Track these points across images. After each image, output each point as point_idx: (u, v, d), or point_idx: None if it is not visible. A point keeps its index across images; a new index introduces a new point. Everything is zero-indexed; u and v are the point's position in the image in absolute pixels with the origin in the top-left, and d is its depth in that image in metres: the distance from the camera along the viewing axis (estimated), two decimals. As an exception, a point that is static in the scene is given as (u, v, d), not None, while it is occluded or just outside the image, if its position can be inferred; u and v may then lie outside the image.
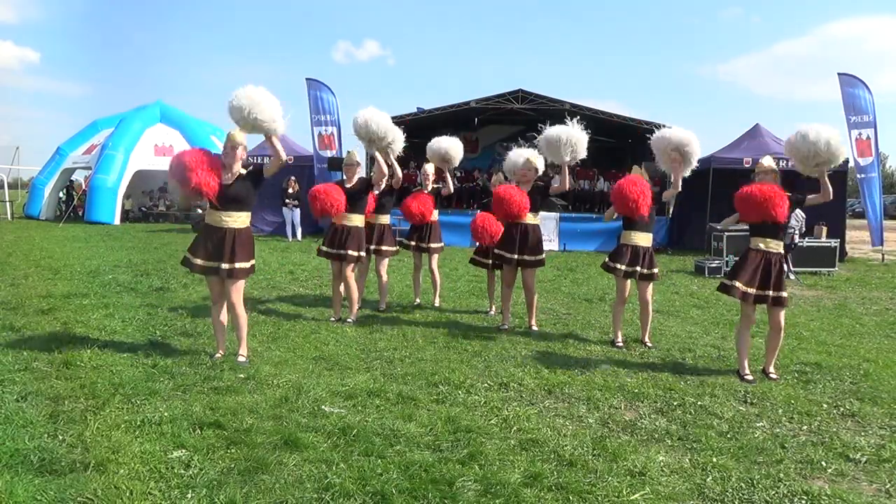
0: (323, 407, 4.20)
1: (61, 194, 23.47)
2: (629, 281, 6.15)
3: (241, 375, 4.78)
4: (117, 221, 20.58)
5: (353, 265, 6.74)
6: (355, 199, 6.72)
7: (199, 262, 5.08)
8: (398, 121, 19.41)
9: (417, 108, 18.60)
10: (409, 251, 8.04)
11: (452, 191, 7.99)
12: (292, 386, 4.57)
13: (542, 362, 5.48)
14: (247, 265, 5.15)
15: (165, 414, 3.94)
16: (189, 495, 3.02)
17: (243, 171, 5.22)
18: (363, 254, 6.83)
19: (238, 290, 5.19)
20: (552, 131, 6.62)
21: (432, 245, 7.88)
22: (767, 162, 5.34)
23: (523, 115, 18.70)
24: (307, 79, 17.97)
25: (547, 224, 15.07)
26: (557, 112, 17.94)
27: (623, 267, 6.06)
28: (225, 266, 5.04)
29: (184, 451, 3.47)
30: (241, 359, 5.16)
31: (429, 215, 7.73)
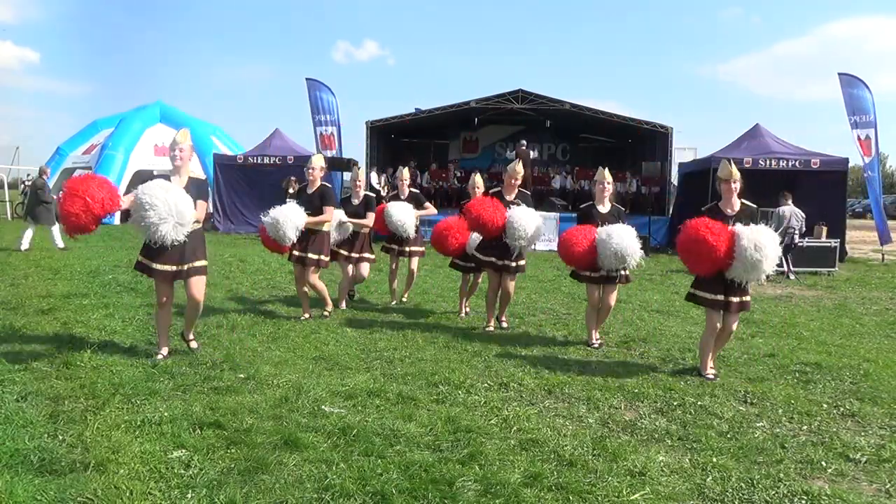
0: (323, 407, 4.20)
1: (61, 194, 23.46)
2: (599, 285, 6.12)
3: (241, 375, 4.78)
4: (117, 221, 20.56)
5: (315, 269, 6.77)
6: (315, 205, 6.59)
7: (166, 268, 5.03)
8: (398, 121, 19.44)
9: (416, 109, 18.61)
10: (388, 254, 8.05)
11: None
12: (292, 386, 4.57)
13: (542, 362, 5.48)
14: (201, 263, 5.20)
15: (165, 414, 3.94)
16: (189, 495, 3.02)
17: (194, 175, 5.25)
18: (325, 258, 6.80)
19: (200, 286, 5.22)
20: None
21: (413, 248, 7.89)
22: (733, 171, 5.18)
23: (523, 115, 18.71)
24: (307, 79, 18.02)
25: (547, 224, 15.00)
26: (557, 112, 18.01)
27: (588, 273, 6.05)
28: (185, 266, 5.08)
29: (184, 451, 3.47)
30: (192, 344, 5.37)
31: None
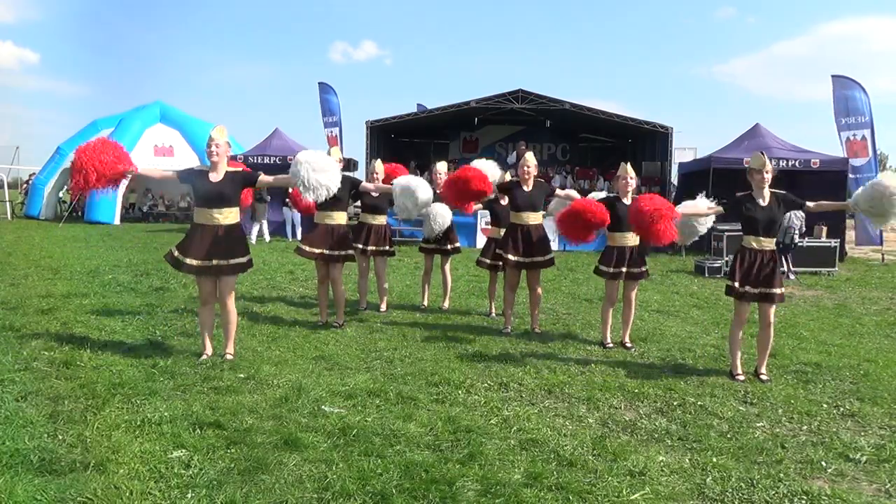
0: (323, 407, 4.20)
1: (61, 194, 23.45)
2: (618, 282, 6.13)
3: (241, 375, 4.78)
4: (117, 221, 20.58)
5: (341, 265, 6.56)
6: (336, 198, 6.29)
7: (194, 262, 5.07)
8: (398, 121, 19.46)
9: (418, 106, 18.60)
10: (422, 253, 7.94)
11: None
12: (292, 386, 4.57)
13: (542, 362, 5.48)
14: (243, 260, 5.23)
15: (165, 414, 3.94)
16: (189, 495, 3.03)
17: (230, 169, 5.27)
18: (351, 252, 6.60)
19: (232, 287, 5.26)
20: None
21: (448, 247, 7.73)
22: (766, 162, 5.23)
23: (523, 115, 18.69)
24: (319, 83, 18.46)
25: (547, 223, 15.03)
26: (557, 112, 18.00)
27: (609, 269, 6.06)
28: (221, 263, 5.09)
29: (184, 451, 3.47)
30: (228, 357, 5.19)
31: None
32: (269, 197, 15.70)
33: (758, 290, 5.13)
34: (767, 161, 5.25)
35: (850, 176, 14.70)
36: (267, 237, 15.80)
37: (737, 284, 5.14)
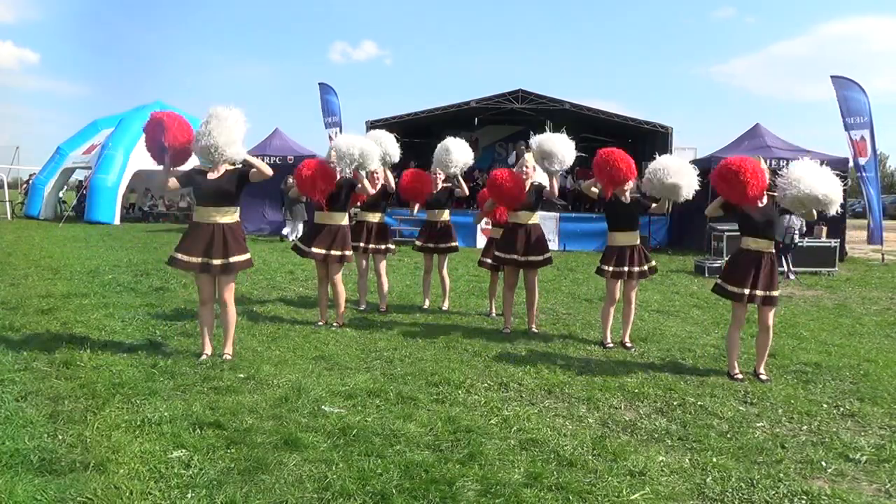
0: (323, 407, 4.20)
1: (61, 194, 23.42)
2: (619, 282, 6.15)
3: (241, 375, 4.78)
4: (117, 221, 20.58)
5: (340, 266, 6.53)
6: (336, 198, 6.45)
7: (193, 259, 5.06)
8: (397, 121, 19.49)
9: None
10: (420, 252, 7.93)
11: (467, 193, 7.84)
12: (292, 386, 4.57)
13: (542, 362, 5.48)
14: (241, 259, 5.18)
15: (165, 414, 3.94)
16: (189, 495, 3.03)
17: (230, 167, 5.28)
18: (348, 253, 6.53)
19: (231, 286, 5.23)
20: (544, 141, 6.56)
21: (442, 245, 7.72)
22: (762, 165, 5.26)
23: (523, 115, 18.69)
24: (319, 83, 18.47)
25: (547, 224, 15.02)
26: (557, 112, 18.00)
27: (610, 268, 6.07)
28: (218, 262, 5.05)
29: (184, 451, 3.47)
30: (226, 356, 5.19)
31: (421, 196, 7.67)
32: (304, 197, 15.75)
33: (757, 292, 5.11)
34: (761, 163, 5.25)
35: (858, 174, 14.75)
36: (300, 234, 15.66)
37: (732, 288, 5.15)
